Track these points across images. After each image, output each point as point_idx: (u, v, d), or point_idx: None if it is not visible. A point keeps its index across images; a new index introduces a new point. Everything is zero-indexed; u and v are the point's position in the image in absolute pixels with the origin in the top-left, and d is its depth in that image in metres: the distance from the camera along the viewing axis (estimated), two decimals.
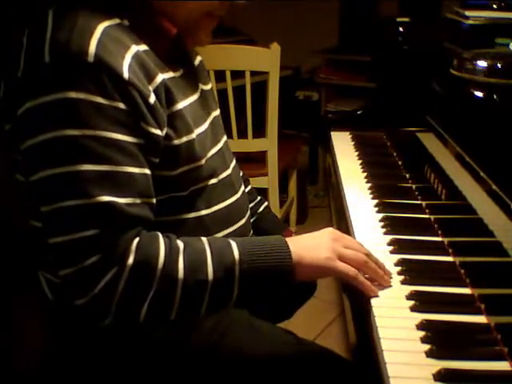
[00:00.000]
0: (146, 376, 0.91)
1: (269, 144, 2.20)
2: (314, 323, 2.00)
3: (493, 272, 0.84)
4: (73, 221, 0.76)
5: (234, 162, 1.08)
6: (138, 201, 0.79)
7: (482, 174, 0.88)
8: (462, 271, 0.90)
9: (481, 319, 0.79)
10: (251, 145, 2.21)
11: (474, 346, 0.75)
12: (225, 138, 1.07)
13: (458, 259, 0.94)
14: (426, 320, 0.78)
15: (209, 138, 0.96)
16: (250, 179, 2.22)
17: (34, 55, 0.76)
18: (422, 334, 0.76)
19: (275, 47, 2.06)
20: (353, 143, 1.53)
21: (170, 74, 0.88)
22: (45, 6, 0.81)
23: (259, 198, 1.28)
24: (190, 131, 0.88)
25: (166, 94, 0.84)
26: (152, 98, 0.80)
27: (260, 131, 2.20)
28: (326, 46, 3.16)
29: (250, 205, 1.22)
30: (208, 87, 1.06)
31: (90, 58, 0.74)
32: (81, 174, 0.74)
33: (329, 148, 1.53)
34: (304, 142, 2.96)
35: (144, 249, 0.78)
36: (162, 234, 0.82)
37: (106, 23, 0.78)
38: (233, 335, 0.95)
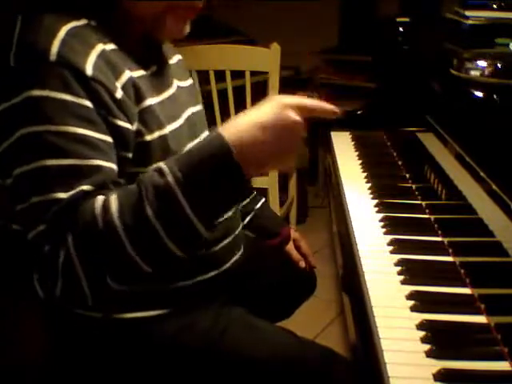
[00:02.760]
0: (144, 375, 0.91)
1: None
2: (313, 323, 2.00)
3: (493, 272, 0.84)
4: (33, 218, 0.76)
5: None
6: (98, 191, 0.77)
7: (481, 174, 0.88)
8: (462, 271, 0.90)
9: (481, 319, 0.79)
10: None
11: (474, 346, 0.75)
12: (206, 133, 1.07)
13: (458, 259, 0.94)
14: (425, 320, 0.78)
15: (185, 134, 0.96)
16: (250, 179, 2.23)
17: (2, 61, 0.78)
18: (422, 333, 0.76)
19: (275, 47, 2.05)
20: (353, 143, 1.53)
21: (140, 72, 0.88)
22: (16, 12, 0.83)
23: (254, 194, 1.28)
24: (162, 127, 0.88)
25: (135, 91, 0.84)
26: (119, 93, 0.81)
27: None
28: (326, 46, 3.17)
29: (244, 202, 1.22)
30: (186, 83, 1.06)
31: (53, 57, 0.76)
32: (45, 169, 0.75)
33: (329, 148, 1.53)
34: (304, 142, 2.96)
35: (80, 218, 0.74)
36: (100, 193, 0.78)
37: (72, 24, 0.80)
38: (231, 334, 0.95)
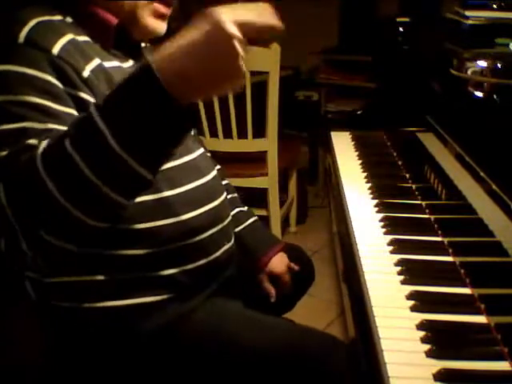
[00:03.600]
0: (140, 370, 0.91)
1: (269, 144, 2.20)
2: (313, 323, 1.99)
3: (493, 272, 0.84)
4: None
5: (201, 150, 1.08)
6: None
7: (482, 173, 0.88)
8: (462, 271, 0.90)
9: (481, 319, 0.79)
10: (251, 145, 2.22)
11: (474, 346, 0.75)
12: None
13: (458, 259, 0.94)
14: (425, 320, 0.78)
15: None
16: (250, 179, 2.24)
17: None
18: (422, 333, 0.76)
19: (275, 47, 2.06)
20: (353, 143, 1.53)
21: (114, 63, 0.91)
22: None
23: (246, 208, 1.26)
24: None
25: (107, 78, 0.86)
26: (86, 73, 0.83)
27: (260, 131, 2.20)
28: (326, 46, 3.17)
29: (233, 212, 1.19)
30: None
31: (21, 40, 0.79)
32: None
33: (329, 148, 1.53)
34: (304, 142, 2.96)
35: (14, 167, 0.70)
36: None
37: (44, 17, 0.83)
38: (229, 324, 0.96)
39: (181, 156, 0.98)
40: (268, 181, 2.27)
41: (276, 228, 2.37)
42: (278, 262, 1.21)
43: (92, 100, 0.83)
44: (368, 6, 3.10)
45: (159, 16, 0.93)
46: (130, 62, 0.96)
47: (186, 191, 0.96)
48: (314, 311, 1.95)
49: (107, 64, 0.88)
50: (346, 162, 1.39)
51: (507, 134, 0.90)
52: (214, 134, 2.20)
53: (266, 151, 2.22)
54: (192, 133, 1.08)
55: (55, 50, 0.81)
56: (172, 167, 0.94)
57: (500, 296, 0.81)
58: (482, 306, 0.81)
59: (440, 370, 0.69)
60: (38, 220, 0.69)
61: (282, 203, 2.45)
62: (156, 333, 0.92)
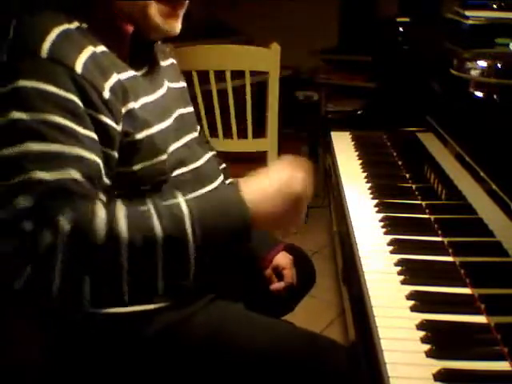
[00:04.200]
0: (140, 371, 0.91)
1: (269, 144, 2.20)
2: (313, 323, 2.00)
3: (493, 272, 0.84)
4: (13, 197, 0.73)
5: (208, 155, 1.08)
6: (83, 180, 0.76)
7: (482, 173, 0.88)
8: (462, 271, 0.90)
9: (481, 319, 0.79)
10: (251, 145, 2.21)
11: (474, 346, 0.75)
12: (194, 134, 1.08)
13: (457, 259, 0.94)
14: (426, 320, 0.78)
15: (172, 134, 0.97)
16: None
17: None
18: (422, 333, 0.76)
19: (275, 47, 2.06)
20: (353, 143, 1.53)
21: (130, 73, 0.90)
22: (10, 17, 0.85)
23: None
24: (149, 126, 0.89)
25: (123, 93, 0.86)
26: (106, 93, 0.83)
27: (260, 131, 2.20)
28: (326, 46, 3.17)
29: None
30: (177, 85, 1.08)
31: (44, 53, 0.78)
32: (26, 153, 0.75)
33: (329, 148, 1.53)
34: (304, 142, 2.96)
35: (79, 217, 0.73)
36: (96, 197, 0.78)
37: (63, 26, 0.82)
38: (228, 328, 0.96)
39: (189, 163, 0.98)
40: None
41: None
42: (283, 258, 1.22)
43: (111, 123, 0.82)
44: (368, 6, 3.10)
45: (172, 16, 0.92)
46: (145, 69, 0.96)
47: None
48: (314, 311, 1.95)
49: (123, 76, 0.88)
50: (346, 162, 1.39)
51: (507, 134, 0.90)
52: (214, 134, 2.20)
53: (266, 151, 2.22)
54: (197, 133, 1.08)
55: (78, 67, 0.80)
56: (179, 175, 0.95)
57: (500, 296, 0.80)
58: (482, 306, 0.81)
59: (440, 370, 0.69)
60: (89, 286, 0.72)
61: None
62: (157, 335, 0.92)
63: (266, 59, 2.07)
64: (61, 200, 0.73)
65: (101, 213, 0.73)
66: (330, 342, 0.98)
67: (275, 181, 0.82)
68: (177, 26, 0.93)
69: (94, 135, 0.80)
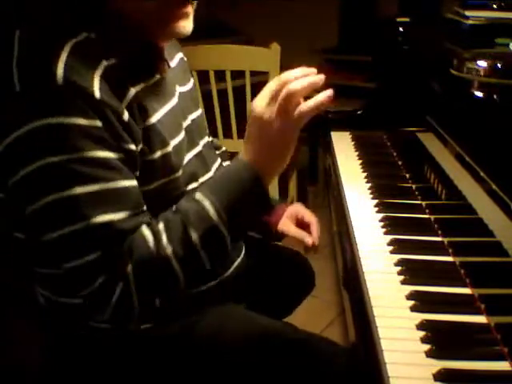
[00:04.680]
0: (140, 373, 0.91)
1: None
2: (313, 323, 2.00)
3: (493, 272, 0.84)
4: (75, 247, 0.76)
5: (217, 163, 1.07)
6: (132, 213, 0.79)
7: (482, 173, 0.88)
8: (462, 271, 0.90)
9: (481, 319, 0.79)
10: None
11: (474, 345, 0.75)
12: (206, 139, 1.06)
13: (457, 259, 0.93)
14: (426, 320, 0.78)
15: (185, 145, 0.94)
16: None
17: (5, 84, 0.75)
18: (422, 333, 0.76)
19: (275, 47, 2.05)
20: (353, 143, 1.53)
21: (143, 85, 0.85)
22: (12, 26, 0.80)
23: None
24: (166, 144, 0.87)
25: (139, 109, 0.82)
26: (125, 116, 0.79)
27: None
28: (326, 46, 3.17)
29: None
30: (187, 87, 1.04)
31: (60, 81, 0.73)
32: (74, 198, 0.74)
33: (329, 148, 1.53)
34: (304, 142, 2.96)
35: (135, 251, 0.78)
36: (142, 225, 0.81)
37: (72, 40, 0.77)
38: (229, 329, 0.95)
39: (201, 176, 0.97)
40: None
41: None
42: (305, 211, 1.24)
43: (132, 147, 0.80)
44: (368, 5, 3.10)
45: (184, 16, 0.87)
46: (156, 78, 0.90)
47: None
48: (314, 311, 1.95)
49: (138, 88, 0.84)
50: (346, 162, 1.39)
51: (507, 134, 0.90)
52: (214, 134, 2.20)
53: None
54: (205, 139, 1.05)
55: (96, 91, 0.75)
56: (192, 189, 0.93)
57: (500, 296, 0.81)
58: (482, 306, 0.81)
59: (440, 370, 0.69)
60: (160, 296, 0.84)
61: None
62: (158, 336, 0.91)
63: (266, 59, 2.07)
64: (123, 245, 0.77)
65: (148, 238, 0.79)
66: (330, 344, 0.98)
67: (264, 128, 0.81)
68: (190, 25, 0.88)
69: (122, 155, 0.79)
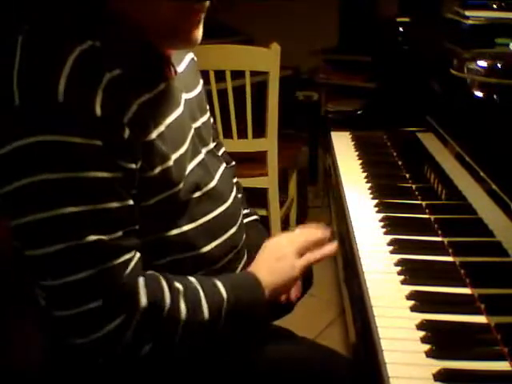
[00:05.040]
0: (140, 373, 0.91)
1: (269, 144, 2.20)
2: (313, 323, 2.00)
3: (493, 272, 0.84)
4: (64, 264, 0.75)
5: (221, 169, 1.03)
6: (123, 233, 0.78)
7: (482, 173, 0.88)
8: (462, 271, 0.90)
9: (481, 319, 0.79)
10: (251, 145, 2.21)
11: (474, 345, 0.75)
12: (209, 146, 1.02)
13: (457, 259, 0.94)
14: (426, 320, 0.78)
15: (188, 156, 0.91)
16: (250, 179, 2.24)
17: (4, 96, 0.73)
18: (422, 334, 0.76)
19: (275, 47, 2.05)
20: (353, 143, 1.53)
21: (146, 96, 0.82)
22: (15, 31, 0.77)
23: (248, 210, 1.21)
24: (167, 159, 0.84)
25: (141, 123, 0.80)
26: (126, 133, 0.77)
27: (260, 131, 2.20)
28: (326, 46, 3.16)
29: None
30: (194, 93, 1.00)
31: (60, 97, 0.71)
32: (65, 216, 0.73)
33: (329, 148, 1.53)
34: (304, 142, 2.96)
35: (151, 291, 0.79)
36: (159, 274, 0.83)
37: (77, 49, 0.74)
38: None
39: (204, 186, 0.93)
40: (268, 181, 2.27)
41: (276, 228, 2.37)
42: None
43: (131, 165, 0.78)
44: (368, 6, 3.10)
45: (194, 24, 0.84)
46: (161, 87, 0.86)
47: (206, 222, 0.92)
48: (314, 311, 1.95)
49: (141, 100, 0.81)
50: (346, 162, 1.39)
51: (507, 134, 0.90)
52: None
53: (266, 151, 2.22)
54: (210, 146, 1.02)
55: (98, 110, 0.72)
56: (195, 198, 0.91)
57: (500, 296, 0.80)
58: (482, 306, 0.81)
59: (440, 370, 0.69)
60: (147, 349, 0.81)
61: (281, 203, 2.45)
62: None
63: (265, 59, 2.07)
64: (113, 260, 0.76)
65: (167, 293, 0.81)
66: (330, 352, 0.98)
67: (281, 255, 0.96)
68: (199, 35, 0.85)
69: (120, 176, 0.77)
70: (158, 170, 0.83)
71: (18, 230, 0.76)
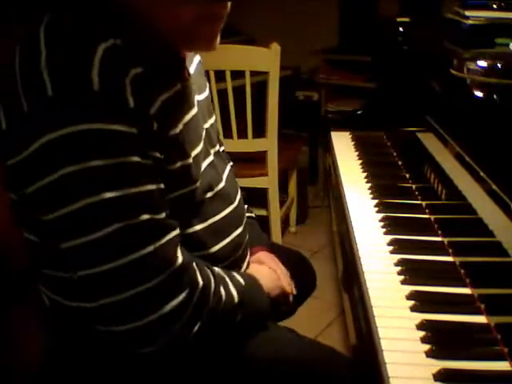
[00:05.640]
0: (140, 373, 0.91)
1: (269, 144, 2.20)
2: (314, 323, 2.00)
3: (493, 272, 0.84)
4: (122, 244, 0.76)
5: (227, 170, 1.06)
6: (165, 214, 0.81)
7: (482, 173, 0.88)
8: (462, 271, 0.90)
9: (481, 319, 0.79)
10: (251, 145, 2.21)
11: (474, 346, 0.75)
12: (217, 147, 1.04)
13: (457, 259, 0.94)
14: (426, 320, 0.78)
15: (203, 155, 0.94)
16: (250, 179, 2.25)
17: (35, 87, 0.73)
18: (422, 334, 0.76)
19: (275, 47, 2.06)
20: (353, 143, 1.53)
21: (167, 94, 0.84)
22: (34, 21, 0.78)
23: (246, 206, 1.20)
24: (187, 156, 0.86)
25: (165, 118, 0.82)
26: (155, 125, 0.79)
27: (260, 131, 2.20)
28: (326, 46, 3.16)
29: None
30: (204, 95, 1.02)
31: (96, 87, 0.72)
32: (113, 199, 0.74)
33: (329, 148, 1.53)
34: (304, 142, 2.96)
35: (203, 273, 0.84)
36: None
37: (102, 46, 0.74)
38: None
39: (215, 186, 0.95)
40: (268, 181, 2.27)
41: (276, 228, 2.37)
42: (263, 256, 1.15)
43: (159, 156, 0.80)
44: (368, 5, 3.10)
45: (214, 36, 0.85)
46: (178, 87, 0.87)
47: (215, 222, 0.94)
48: (314, 311, 1.94)
49: (164, 97, 0.82)
50: (346, 162, 1.39)
51: (507, 134, 0.90)
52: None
53: (266, 151, 2.22)
54: (216, 148, 1.04)
55: (130, 99, 0.74)
56: (207, 198, 0.92)
57: (500, 296, 0.81)
58: (482, 306, 0.81)
59: (440, 370, 0.69)
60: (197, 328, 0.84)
61: (281, 203, 2.45)
62: None
63: (265, 59, 2.07)
64: (165, 235, 0.80)
65: (212, 277, 0.87)
66: (331, 351, 0.98)
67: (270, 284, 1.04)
68: (217, 43, 0.87)
69: (152, 162, 0.79)
70: (178, 164, 0.85)
71: (59, 222, 0.76)
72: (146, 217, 0.76)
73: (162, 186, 0.82)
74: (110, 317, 0.79)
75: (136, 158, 0.76)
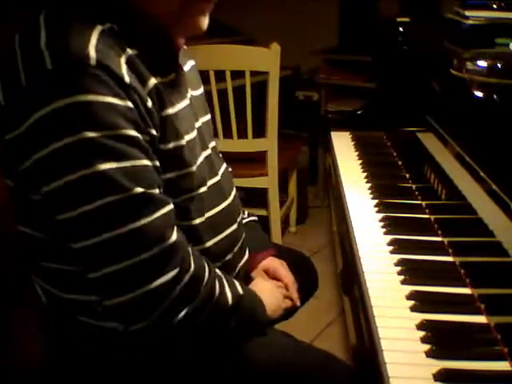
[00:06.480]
0: (139, 373, 0.91)
1: (269, 144, 2.20)
2: (314, 324, 2.00)
3: (493, 272, 0.84)
4: (118, 216, 0.76)
5: (223, 167, 1.07)
6: (159, 190, 0.82)
7: (482, 173, 0.88)
8: (462, 271, 0.90)
9: (481, 319, 0.79)
10: (251, 145, 2.21)
11: (474, 346, 0.75)
12: (213, 143, 1.06)
13: (457, 259, 0.94)
14: (426, 320, 0.78)
15: (198, 145, 0.95)
16: (250, 179, 2.25)
17: (34, 62, 0.75)
18: (422, 334, 0.76)
19: (275, 47, 2.06)
20: (353, 143, 1.54)
21: (161, 80, 0.86)
22: (34, 10, 0.80)
23: (246, 213, 1.23)
24: (180, 137, 0.88)
25: (158, 99, 0.84)
26: (149, 102, 0.81)
27: (260, 131, 2.20)
28: (326, 46, 3.17)
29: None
30: (198, 92, 1.05)
31: (93, 62, 0.74)
32: (107, 172, 0.75)
33: (329, 148, 1.53)
34: (304, 142, 2.96)
35: (197, 260, 0.85)
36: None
37: (98, 28, 0.78)
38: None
39: (209, 180, 0.96)
40: (268, 181, 2.27)
41: (276, 228, 2.37)
42: (271, 262, 1.17)
43: (154, 133, 0.82)
44: (368, 5, 3.10)
45: (201, 13, 0.88)
46: (172, 76, 0.90)
47: (211, 217, 0.95)
48: (314, 311, 1.94)
49: (157, 80, 0.85)
50: (346, 162, 1.39)
51: (507, 134, 0.90)
52: (214, 134, 2.20)
53: (266, 151, 2.22)
54: (213, 143, 1.06)
55: (126, 76, 0.77)
56: (202, 193, 0.93)
57: (500, 296, 0.81)
58: (482, 306, 0.81)
59: (440, 370, 0.69)
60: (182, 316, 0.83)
61: (281, 203, 2.45)
62: (166, 344, 0.91)
63: (265, 59, 2.07)
64: (162, 208, 0.81)
65: (207, 269, 0.87)
66: (329, 357, 0.98)
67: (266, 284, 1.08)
68: (205, 22, 0.89)
69: (148, 139, 0.81)
70: (171, 145, 0.86)
71: (55, 194, 0.77)
72: (139, 190, 0.77)
73: (157, 163, 0.83)
74: (101, 289, 0.81)
75: (132, 132, 0.77)
